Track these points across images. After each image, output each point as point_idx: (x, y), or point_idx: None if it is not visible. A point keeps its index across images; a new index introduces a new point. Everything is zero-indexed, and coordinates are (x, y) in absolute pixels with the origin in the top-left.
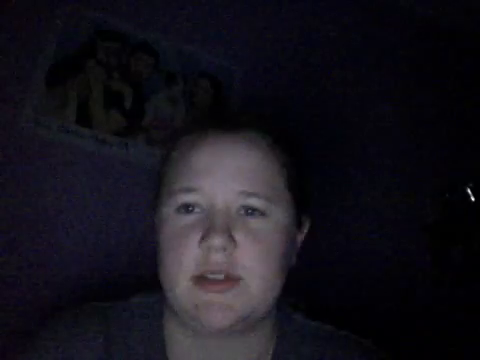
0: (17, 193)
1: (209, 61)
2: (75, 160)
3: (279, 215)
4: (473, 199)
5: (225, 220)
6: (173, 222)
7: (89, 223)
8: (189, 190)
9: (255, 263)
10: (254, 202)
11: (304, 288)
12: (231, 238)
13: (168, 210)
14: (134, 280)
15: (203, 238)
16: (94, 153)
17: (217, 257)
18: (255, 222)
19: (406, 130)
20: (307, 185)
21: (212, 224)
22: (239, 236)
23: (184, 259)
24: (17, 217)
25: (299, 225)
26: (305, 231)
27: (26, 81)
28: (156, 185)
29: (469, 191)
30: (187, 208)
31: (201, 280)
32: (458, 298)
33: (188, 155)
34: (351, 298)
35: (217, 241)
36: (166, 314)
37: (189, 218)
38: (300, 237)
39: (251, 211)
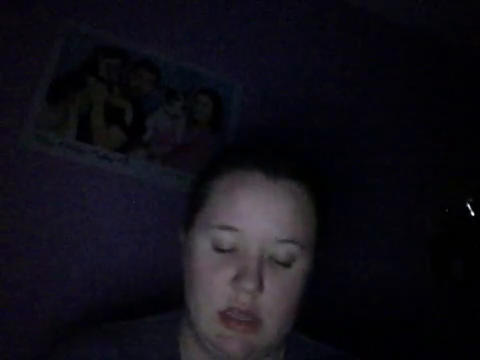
0: (17, 208)
1: (209, 77)
2: (76, 176)
3: (306, 262)
4: (473, 214)
5: (258, 266)
6: (206, 256)
7: (90, 239)
8: (229, 228)
9: (276, 308)
10: (290, 248)
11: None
12: (261, 283)
13: (203, 244)
14: (135, 292)
15: (236, 279)
16: (95, 169)
17: (245, 298)
18: (283, 270)
19: (406, 145)
20: (329, 225)
21: (246, 268)
22: (268, 283)
23: (214, 294)
24: (17, 232)
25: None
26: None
27: (27, 97)
28: (189, 206)
29: (469, 206)
30: (223, 246)
31: (227, 318)
32: (459, 311)
33: (232, 194)
34: (351, 310)
35: (250, 286)
36: (183, 332)
37: (223, 256)
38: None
39: (280, 260)
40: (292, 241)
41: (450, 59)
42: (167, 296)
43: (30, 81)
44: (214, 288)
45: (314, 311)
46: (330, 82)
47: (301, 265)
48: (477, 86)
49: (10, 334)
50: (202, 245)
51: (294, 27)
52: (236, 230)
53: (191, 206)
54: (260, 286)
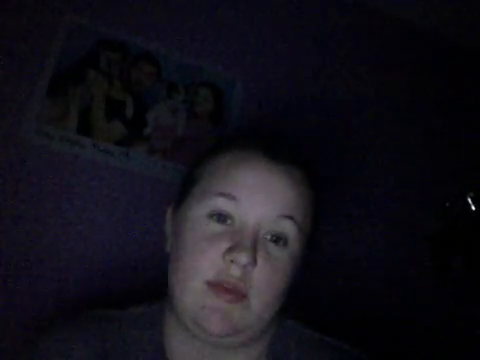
0: (18, 202)
1: (210, 70)
2: (76, 169)
3: (299, 246)
4: (474, 208)
5: (254, 240)
6: (202, 227)
7: (90, 233)
8: (228, 196)
9: (264, 287)
10: (287, 226)
11: (303, 295)
12: (254, 257)
13: (199, 213)
14: (134, 288)
15: (230, 250)
16: (95, 162)
17: (237, 271)
18: (276, 249)
19: (407, 140)
20: (319, 224)
21: (241, 241)
22: (260, 259)
23: (205, 264)
24: (17, 226)
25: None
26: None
27: (28, 91)
28: (182, 186)
29: (470, 200)
30: (219, 217)
31: (216, 286)
32: (459, 306)
33: (233, 168)
34: (350, 307)
35: (244, 259)
36: (167, 322)
37: (219, 227)
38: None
39: (276, 238)
40: (292, 219)
41: (451, 54)
42: (166, 288)
43: (31, 75)
44: (205, 258)
45: (312, 305)
46: (331, 77)
47: (294, 249)
48: (478, 81)
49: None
50: (198, 214)
51: (295, 22)
52: (235, 199)
53: (186, 183)
54: (253, 260)
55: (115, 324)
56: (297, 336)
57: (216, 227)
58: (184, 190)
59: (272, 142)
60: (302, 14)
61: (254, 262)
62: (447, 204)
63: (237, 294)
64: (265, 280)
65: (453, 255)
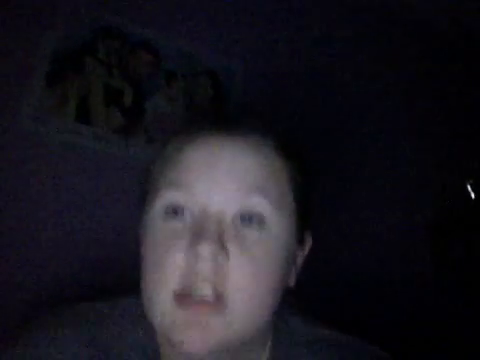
0: (16, 191)
1: (209, 59)
2: (74, 158)
3: (280, 227)
4: (473, 196)
5: (218, 226)
6: (158, 228)
7: (88, 221)
8: (178, 186)
9: (247, 281)
10: (257, 202)
11: (303, 288)
12: (223, 247)
13: (154, 214)
14: (132, 278)
15: (190, 245)
16: (94, 151)
17: (205, 267)
18: (252, 233)
19: (407, 128)
20: (311, 199)
21: (202, 229)
22: (232, 247)
23: (167, 269)
24: (16, 215)
25: (300, 242)
26: (306, 250)
27: (26, 79)
28: (140, 190)
29: (469, 188)
30: (175, 212)
31: (185, 298)
32: (459, 293)
33: (179, 152)
34: (351, 296)
35: (207, 248)
36: None
37: (176, 224)
38: (301, 256)
39: (248, 219)
40: (260, 192)
41: (448, 46)
42: None
43: (29, 63)
44: (167, 262)
45: (314, 294)
46: (333, 68)
47: (275, 230)
48: (477, 71)
49: None
50: (152, 215)
51: (295, 11)
52: (185, 186)
53: (143, 187)
54: (220, 248)
55: (105, 320)
56: (302, 336)
57: (174, 225)
58: (142, 196)
59: (227, 118)
60: (302, 3)
61: (222, 251)
62: (447, 192)
63: (212, 304)
64: (246, 271)
65: (453, 242)
